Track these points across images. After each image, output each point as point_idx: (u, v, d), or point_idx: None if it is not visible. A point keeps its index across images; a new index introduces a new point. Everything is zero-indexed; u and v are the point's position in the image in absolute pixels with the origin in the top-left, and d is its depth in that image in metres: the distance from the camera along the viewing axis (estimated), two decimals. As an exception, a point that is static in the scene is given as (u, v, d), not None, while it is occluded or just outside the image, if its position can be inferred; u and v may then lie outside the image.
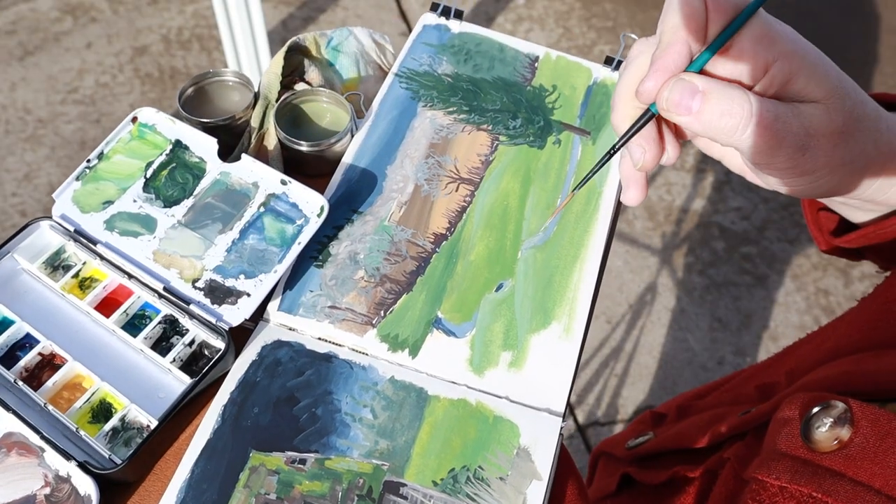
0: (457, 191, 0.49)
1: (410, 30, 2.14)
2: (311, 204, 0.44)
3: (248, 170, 0.46)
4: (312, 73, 0.54)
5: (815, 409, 0.37)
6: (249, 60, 1.48)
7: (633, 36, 0.46)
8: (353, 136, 0.51)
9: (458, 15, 0.58)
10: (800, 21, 2.51)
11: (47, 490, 0.38)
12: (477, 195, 0.49)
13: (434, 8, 0.58)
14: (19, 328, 0.42)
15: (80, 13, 1.87)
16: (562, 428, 0.41)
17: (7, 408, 0.39)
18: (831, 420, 0.36)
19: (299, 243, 0.43)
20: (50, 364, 0.41)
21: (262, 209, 0.44)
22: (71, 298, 0.43)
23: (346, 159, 0.49)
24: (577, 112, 0.54)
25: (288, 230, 0.44)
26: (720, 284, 1.70)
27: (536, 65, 0.56)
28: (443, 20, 0.57)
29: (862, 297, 0.49)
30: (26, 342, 0.42)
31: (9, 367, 0.41)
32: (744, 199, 1.76)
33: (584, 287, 0.46)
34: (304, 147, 0.48)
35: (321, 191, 0.48)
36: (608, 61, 0.56)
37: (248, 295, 0.42)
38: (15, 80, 1.74)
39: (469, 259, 0.46)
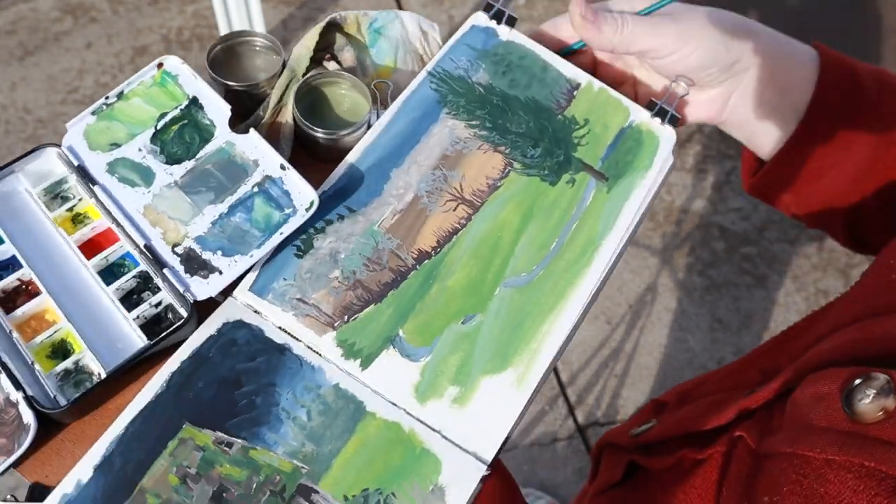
0: (454, 210, 0.50)
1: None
2: (303, 196, 0.46)
3: (252, 145, 0.47)
4: (347, 54, 0.55)
5: (857, 382, 0.38)
6: None
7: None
8: (369, 126, 0.52)
9: (511, 22, 0.57)
10: (800, 21, 2.34)
11: (-4, 409, 0.42)
12: (473, 219, 0.50)
13: (487, 9, 0.57)
14: (6, 249, 0.45)
15: (81, 13, 1.90)
16: (484, 477, 0.42)
17: (-23, 324, 0.42)
18: (874, 391, 0.37)
19: (281, 233, 0.45)
20: (26, 291, 0.45)
21: (255, 189, 0.46)
22: (61, 231, 0.46)
23: (355, 152, 0.50)
24: (601, 153, 0.53)
25: (275, 217, 0.46)
26: (720, 285, 1.74)
27: (575, 93, 0.55)
28: (493, 24, 0.57)
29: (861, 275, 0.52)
30: (10, 264, 0.45)
31: (-11, 285, 0.44)
32: (744, 200, 1.79)
33: (552, 340, 0.47)
34: (318, 133, 0.50)
35: (324, 176, 0.49)
36: (650, 105, 0.55)
37: (220, 273, 0.44)
38: (15, 79, 1.78)
39: (446, 284, 0.48)
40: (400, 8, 2.03)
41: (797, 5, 2.40)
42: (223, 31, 1.45)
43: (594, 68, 0.59)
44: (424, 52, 0.58)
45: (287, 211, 0.46)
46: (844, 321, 0.47)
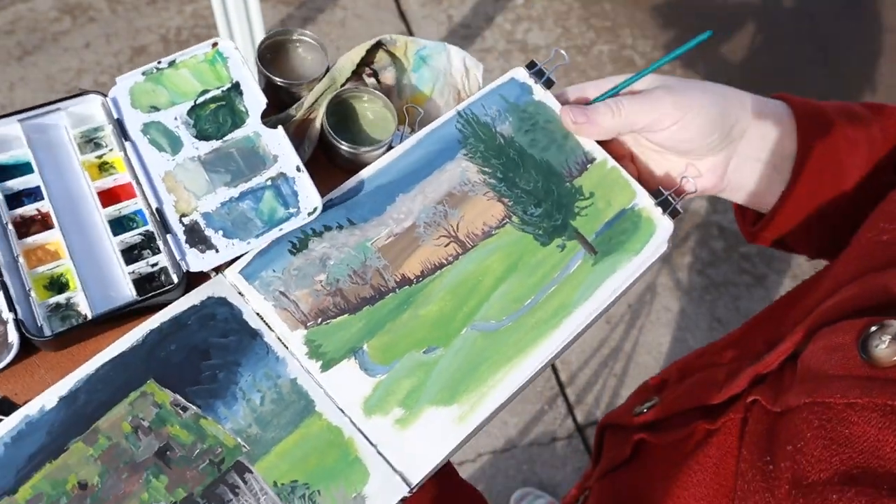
0: (445, 246, 0.53)
1: (409, 29, 2.18)
2: (309, 200, 0.49)
3: (276, 141, 0.51)
4: (388, 73, 0.58)
5: (873, 329, 0.41)
6: (248, 60, 1.51)
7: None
8: (390, 147, 0.55)
9: (549, 84, 0.60)
10: (799, 21, 2.42)
11: (-11, 322, 0.46)
12: (461, 259, 0.53)
13: (530, 66, 0.60)
14: (33, 179, 0.49)
15: (79, 13, 1.92)
16: (404, 498, 0.46)
17: (-9, 241, 0.46)
18: (889, 337, 0.40)
19: (280, 230, 0.49)
20: (41, 222, 0.49)
21: (269, 182, 0.50)
22: (86, 175, 0.50)
23: (370, 169, 0.54)
24: (598, 227, 0.56)
25: (279, 212, 0.49)
26: (719, 284, 1.77)
27: (589, 166, 0.58)
28: (531, 81, 0.60)
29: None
30: (33, 192, 0.49)
31: (11, 208, 0.48)
32: (743, 201, 1.88)
33: (501, 389, 0.50)
34: (341, 145, 0.53)
35: (337, 183, 0.53)
36: (657, 194, 0.58)
37: (217, 251, 0.48)
38: (13, 79, 1.80)
39: (419, 312, 0.51)
40: (399, 9, 2.06)
41: (797, 5, 2.45)
42: (222, 30, 1.46)
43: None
44: (463, 88, 0.62)
45: (291, 210, 0.49)
46: (843, 282, 0.49)
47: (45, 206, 0.49)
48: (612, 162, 0.59)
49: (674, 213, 0.58)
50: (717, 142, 0.56)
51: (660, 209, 0.58)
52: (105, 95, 0.52)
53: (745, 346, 0.59)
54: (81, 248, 0.48)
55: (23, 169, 0.50)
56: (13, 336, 0.45)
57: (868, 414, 0.39)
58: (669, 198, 0.58)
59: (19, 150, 0.50)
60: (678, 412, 0.58)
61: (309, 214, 0.49)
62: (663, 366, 1.67)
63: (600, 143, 0.59)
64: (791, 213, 0.60)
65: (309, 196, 0.50)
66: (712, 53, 2.40)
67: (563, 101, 0.60)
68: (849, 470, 0.38)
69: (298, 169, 0.50)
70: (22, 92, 1.80)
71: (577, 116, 0.56)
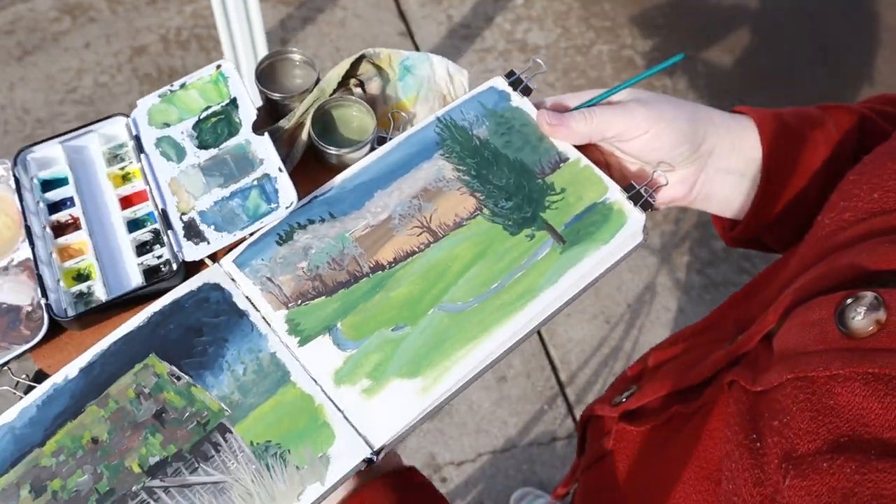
0: (418, 236, 0.59)
1: (409, 29, 2.20)
2: (287, 196, 0.56)
3: (263, 146, 0.59)
4: (373, 83, 0.65)
5: (848, 302, 0.43)
6: (248, 60, 1.51)
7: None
8: (373, 148, 0.62)
9: (526, 92, 0.64)
10: (799, 22, 2.40)
11: (30, 308, 0.56)
12: (431, 247, 0.58)
13: (509, 75, 0.65)
14: (69, 190, 0.59)
15: (79, 13, 1.94)
16: (370, 461, 0.51)
17: (32, 242, 0.56)
18: (864, 308, 0.42)
19: (261, 222, 0.56)
20: (73, 225, 0.59)
21: (255, 182, 0.57)
22: (110, 184, 0.60)
23: (351, 170, 0.60)
24: (567, 220, 0.60)
25: (262, 208, 0.56)
26: (719, 284, 1.75)
27: (562, 165, 0.62)
28: (510, 89, 0.64)
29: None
30: (68, 201, 0.59)
31: (49, 214, 0.58)
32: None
33: (463, 365, 0.54)
34: (325, 149, 0.60)
35: (323, 182, 0.60)
36: (629, 188, 0.60)
37: (208, 243, 0.56)
38: (13, 80, 1.83)
39: (389, 294, 0.56)
40: (399, 9, 2.09)
41: (797, 5, 2.43)
42: (222, 30, 1.48)
43: None
44: (448, 94, 0.67)
45: (272, 205, 0.56)
46: (809, 262, 0.51)
47: (76, 212, 0.58)
48: (585, 161, 0.62)
49: (646, 206, 0.60)
50: (687, 153, 0.58)
51: (632, 202, 0.60)
52: (128, 116, 0.62)
53: (716, 329, 0.61)
54: (103, 245, 0.58)
55: (61, 182, 0.60)
56: (45, 318, 0.54)
57: (851, 384, 0.40)
58: (641, 190, 0.60)
59: (58, 167, 0.60)
60: (655, 399, 0.60)
61: (286, 208, 0.56)
62: None
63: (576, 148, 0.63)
64: (764, 214, 0.62)
65: (287, 192, 0.57)
66: (712, 53, 2.37)
67: (541, 108, 0.64)
68: (836, 438, 0.39)
69: (280, 169, 0.57)
70: (22, 92, 1.84)
71: (552, 119, 0.60)
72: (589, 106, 0.61)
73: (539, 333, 1.76)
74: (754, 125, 0.61)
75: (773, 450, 0.42)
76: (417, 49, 2.08)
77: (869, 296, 0.41)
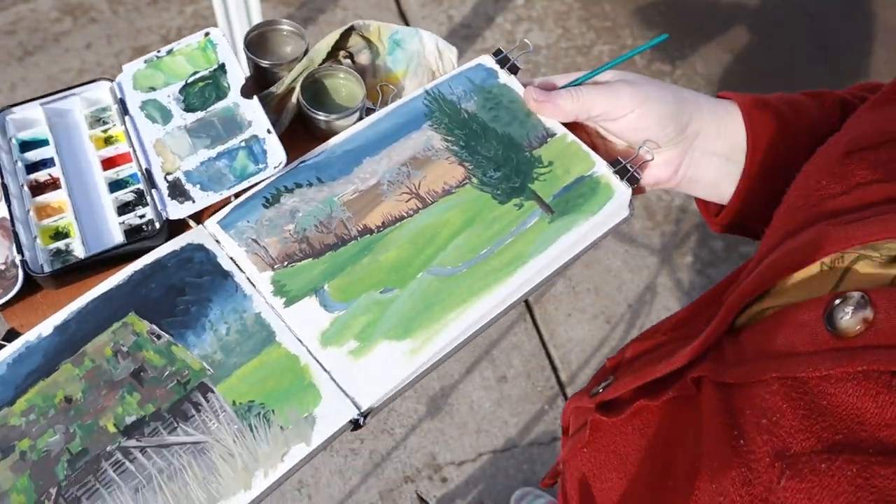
0: (407, 202, 0.58)
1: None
2: (276, 156, 0.56)
3: (252, 109, 0.58)
4: (363, 55, 0.65)
5: (836, 303, 0.42)
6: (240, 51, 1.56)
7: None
8: (361, 117, 0.61)
9: (514, 70, 0.65)
10: (799, 21, 2.44)
11: (2, 266, 0.54)
12: (420, 213, 0.58)
13: (497, 53, 0.66)
14: (49, 151, 0.58)
15: (80, 13, 1.95)
16: (357, 420, 0.50)
17: (9, 201, 0.55)
18: (851, 308, 0.41)
19: (248, 181, 0.55)
20: (52, 185, 0.57)
21: (242, 144, 0.57)
22: (92, 146, 0.59)
23: (340, 136, 0.60)
24: (555, 191, 0.60)
25: (249, 168, 0.56)
26: None
27: (549, 140, 0.62)
28: (497, 67, 0.65)
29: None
30: (48, 161, 0.58)
31: (28, 174, 0.57)
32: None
33: (453, 328, 0.53)
34: (314, 115, 0.60)
35: (310, 149, 0.59)
36: (615, 163, 0.61)
37: (193, 201, 0.54)
38: (15, 80, 1.84)
39: (378, 258, 0.56)
40: (399, 9, 2.12)
41: (798, 5, 2.47)
42: (223, 30, 1.52)
43: None
44: (437, 70, 0.67)
45: (261, 166, 0.56)
46: (773, 245, 0.51)
47: (56, 171, 0.57)
48: (572, 137, 0.63)
49: (632, 181, 0.61)
50: (672, 134, 0.59)
51: (618, 176, 0.60)
52: (112, 80, 0.61)
53: (689, 325, 0.61)
54: (84, 205, 0.56)
55: (42, 143, 0.59)
56: (21, 275, 0.52)
57: (844, 384, 0.40)
58: (627, 165, 0.61)
59: (38, 128, 0.59)
60: (627, 391, 0.59)
61: (275, 168, 0.55)
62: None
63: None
64: (749, 198, 0.62)
65: (276, 153, 0.56)
66: (711, 52, 2.39)
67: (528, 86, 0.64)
68: (831, 437, 0.39)
69: (269, 131, 0.57)
70: (23, 92, 1.84)
71: (539, 96, 0.61)
72: (576, 85, 0.62)
73: (539, 333, 1.75)
74: (739, 110, 0.62)
75: (763, 448, 0.42)
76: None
77: (856, 295, 0.42)
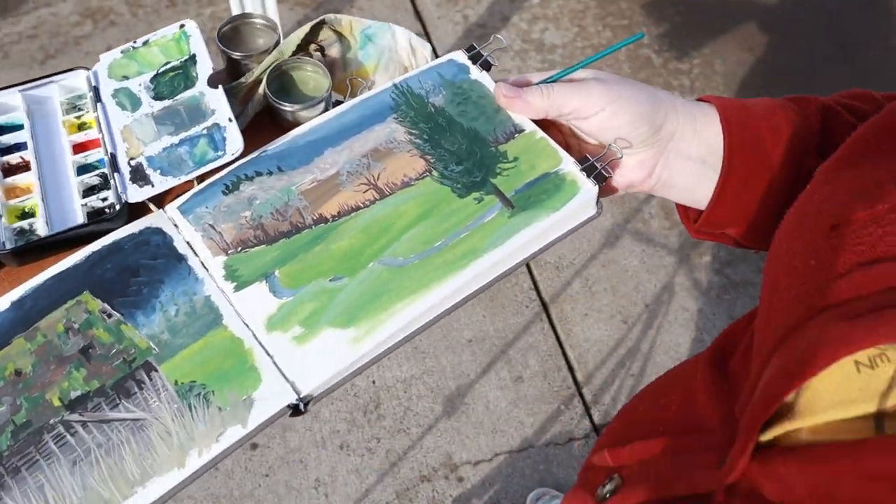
0: (364, 193, 0.59)
1: (425, 29, 2.21)
2: (235, 144, 0.57)
3: (216, 98, 0.59)
4: (333, 48, 0.66)
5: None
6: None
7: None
8: (327, 109, 0.62)
9: (486, 66, 0.65)
10: (818, 18, 2.42)
11: (-29, 244, 0.56)
12: (377, 204, 0.58)
13: (469, 49, 0.66)
14: (22, 136, 0.60)
15: (100, 17, 1.99)
16: (297, 406, 0.50)
17: (-20, 179, 0.57)
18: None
19: (206, 167, 0.56)
20: (24, 167, 0.59)
21: (204, 131, 0.58)
22: (64, 131, 0.61)
23: (303, 127, 0.61)
24: (518, 186, 0.60)
25: (209, 155, 0.57)
26: (738, 284, 1.75)
27: (517, 135, 0.62)
28: (469, 63, 0.65)
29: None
30: (21, 145, 0.60)
31: (1, 156, 0.59)
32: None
33: (399, 319, 0.54)
34: (279, 105, 0.61)
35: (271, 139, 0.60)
36: (583, 160, 0.60)
37: (153, 186, 0.56)
38: None
39: (330, 247, 0.56)
40: (415, 9, 2.12)
41: (817, 3, 2.44)
42: None
43: None
44: (410, 65, 0.68)
45: (220, 153, 0.57)
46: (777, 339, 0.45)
47: (27, 155, 0.59)
48: (541, 133, 0.62)
49: (600, 179, 0.60)
50: (645, 135, 0.58)
51: (585, 174, 0.60)
52: (88, 69, 0.63)
53: (698, 424, 0.55)
54: (52, 186, 0.58)
55: (18, 128, 0.61)
56: (-17, 252, 0.54)
57: None
58: (594, 162, 0.60)
59: (15, 113, 0.61)
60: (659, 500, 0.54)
61: (232, 155, 0.56)
62: None
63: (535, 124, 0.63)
64: (727, 203, 0.61)
65: (234, 141, 0.57)
66: (730, 50, 2.36)
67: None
68: None
69: (230, 120, 0.58)
70: None
71: (508, 92, 0.61)
72: (549, 82, 0.62)
73: (555, 333, 1.75)
74: (717, 113, 0.61)
75: None
76: (434, 49, 2.10)
77: None
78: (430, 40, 2.21)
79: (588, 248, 1.88)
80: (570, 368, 1.72)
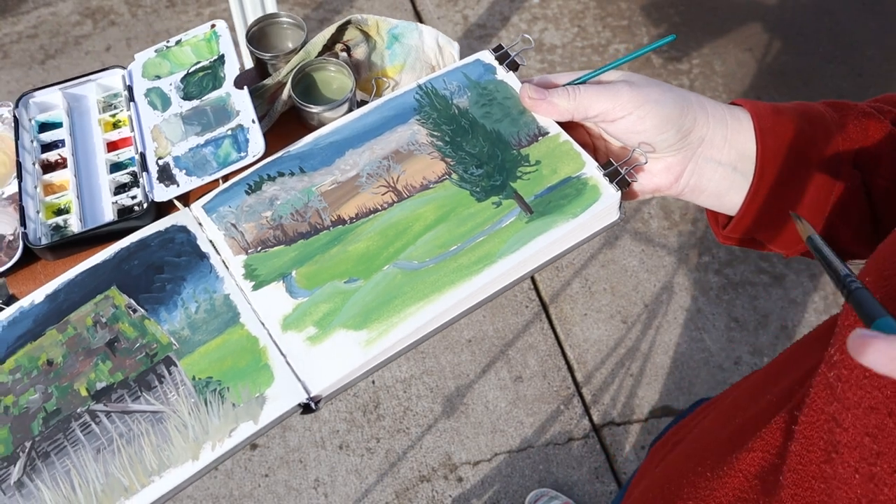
0: (383, 195, 0.60)
1: None
2: (257, 146, 0.58)
3: (241, 99, 0.61)
4: (360, 48, 0.66)
5: None
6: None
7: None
8: (351, 109, 0.63)
9: (514, 66, 0.65)
10: (819, 19, 2.40)
11: (11, 237, 0.59)
12: (395, 206, 0.59)
13: (497, 49, 0.66)
14: (61, 133, 0.63)
15: (100, 17, 2.00)
16: (308, 405, 0.52)
17: (21, 176, 0.60)
18: None
19: (229, 168, 0.58)
20: (61, 164, 0.62)
21: (229, 132, 0.60)
22: (99, 129, 0.63)
23: (326, 128, 0.62)
24: (538, 191, 0.59)
25: (232, 156, 0.59)
26: (737, 284, 1.76)
27: (540, 138, 0.62)
28: (496, 63, 0.65)
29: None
30: (60, 142, 0.63)
31: (41, 153, 0.62)
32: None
33: (411, 322, 0.55)
34: (304, 107, 0.62)
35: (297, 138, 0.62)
36: (607, 165, 0.60)
37: (178, 185, 0.58)
38: (36, 83, 1.90)
39: (347, 248, 0.58)
40: (415, 9, 2.10)
41: (816, 3, 2.44)
42: (240, 33, 1.51)
43: None
44: (437, 64, 0.68)
45: (242, 154, 0.59)
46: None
47: (65, 152, 0.62)
48: (565, 136, 0.62)
49: (623, 184, 0.59)
50: (672, 139, 0.57)
51: (608, 179, 0.60)
52: (125, 68, 0.65)
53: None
54: (86, 184, 0.61)
55: (57, 125, 0.64)
56: (20, 246, 0.57)
57: None
58: (618, 167, 0.59)
59: (56, 111, 0.64)
60: None
61: (254, 156, 0.58)
62: (679, 365, 1.67)
63: (561, 127, 0.62)
64: (758, 210, 0.60)
65: (257, 143, 0.59)
66: (729, 51, 2.33)
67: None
68: None
69: (253, 121, 0.60)
70: None
71: (534, 93, 0.61)
72: (577, 84, 0.61)
73: (555, 333, 1.76)
74: (750, 118, 0.59)
75: None
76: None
77: None
78: (430, 40, 2.21)
79: (588, 248, 1.89)
80: (570, 368, 1.73)
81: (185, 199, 0.60)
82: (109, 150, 0.62)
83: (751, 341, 1.71)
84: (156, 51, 0.65)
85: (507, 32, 2.28)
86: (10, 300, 0.58)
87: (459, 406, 1.68)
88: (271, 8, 1.53)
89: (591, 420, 1.64)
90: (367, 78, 0.66)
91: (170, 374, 0.53)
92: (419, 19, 2.27)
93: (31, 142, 0.62)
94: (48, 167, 0.62)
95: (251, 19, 1.53)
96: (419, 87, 0.64)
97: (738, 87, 2.25)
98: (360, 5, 2.23)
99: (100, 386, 0.53)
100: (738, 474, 0.52)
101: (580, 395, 1.67)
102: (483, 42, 2.24)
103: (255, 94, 0.62)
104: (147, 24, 2.14)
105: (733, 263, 1.81)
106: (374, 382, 1.70)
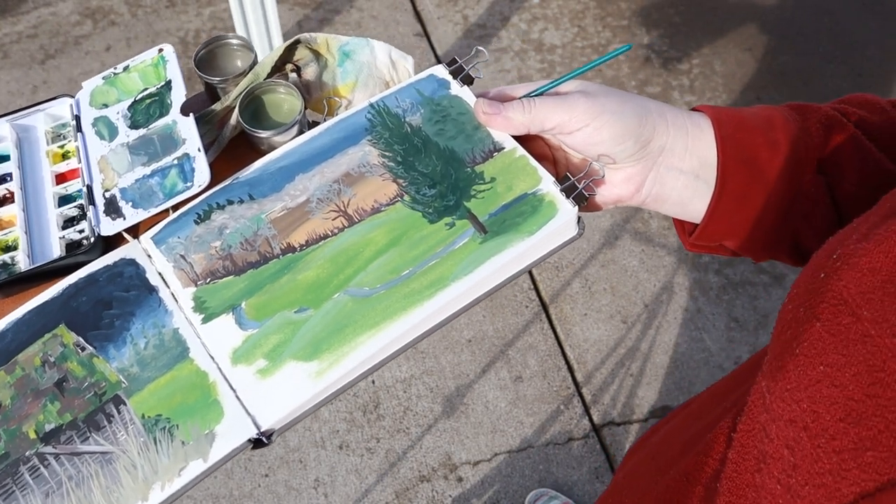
0: (333, 220, 0.59)
1: (424, 30, 2.20)
2: (202, 176, 0.58)
3: (187, 127, 0.60)
4: (310, 68, 0.65)
5: None
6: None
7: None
8: (302, 131, 0.62)
9: (468, 81, 0.64)
10: (818, 18, 2.42)
11: (-39, 275, 0.59)
12: (345, 231, 0.59)
13: (451, 63, 0.64)
14: (9, 167, 0.62)
15: (100, 17, 2.00)
16: (257, 441, 0.51)
17: (-32, 212, 0.60)
18: None
19: (175, 199, 0.57)
20: (8, 199, 0.62)
21: (175, 161, 0.59)
22: (47, 161, 0.63)
23: (276, 153, 0.61)
24: (493, 209, 0.59)
25: (178, 186, 0.58)
26: (737, 284, 1.78)
27: (496, 154, 0.61)
28: (450, 78, 0.64)
29: None
30: (7, 176, 0.62)
31: (-11, 187, 0.62)
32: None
33: (362, 351, 0.54)
34: (252, 132, 0.61)
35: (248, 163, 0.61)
36: (564, 179, 0.59)
37: (124, 218, 0.57)
38: (36, 83, 1.90)
39: (297, 277, 0.57)
40: (415, 9, 2.10)
41: (816, 3, 2.46)
42: (239, 33, 1.54)
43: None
44: (391, 80, 0.67)
45: (188, 184, 0.58)
46: None
47: (13, 186, 0.62)
48: (521, 151, 0.61)
49: (579, 199, 0.59)
50: (631, 149, 0.56)
51: (564, 194, 0.59)
52: (73, 97, 0.65)
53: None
54: (34, 218, 0.60)
55: (5, 158, 0.63)
56: (-32, 286, 0.57)
57: None
58: (575, 182, 0.59)
59: (3, 144, 0.64)
60: None
61: (199, 187, 0.57)
62: (679, 365, 1.68)
63: (519, 140, 0.62)
64: (721, 217, 0.59)
65: (202, 172, 0.58)
66: (729, 51, 2.33)
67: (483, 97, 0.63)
68: None
69: (199, 150, 0.59)
70: (44, 94, 1.95)
71: (488, 108, 0.60)
72: (534, 96, 0.60)
73: (555, 333, 1.76)
74: (711, 125, 0.58)
75: None
76: (433, 49, 2.10)
77: None
78: (429, 40, 2.21)
79: (587, 248, 1.89)
80: (570, 368, 1.73)
81: (135, 230, 0.59)
82: (58, 183, 0.62)
83: (751, 341, 1.71)
84: (103, 78, 0.65)
85: (507, 32, 2.28)
86: (-40, 341, 0.57)
87: (459, 406, 1.68)
88: (271, 8, 1.52)
89: (591, 420, 1.65)
90: (318, 98, 0.65)
91: (119, 413, 0.53)
92: (419, 19, 2.27)
93: (-21, 177, 0.62)
94: (-4, 202, 0.62)
95: (251, 19, 1.54)
96: (371, 105, 0.63)
97: (738, 87, 2.25)
98: (360, 5, 2.22)
99: (48, 428, 0.53)
100: (682, 478, 0.52)
101: (580, 395, 1.68)
102: (483, 42, 2.24)
103: (203, 120, 0.62)
104: (147, 24, 2.14)
105: (733, 263, 1.81)
106: (374, 382, 1.71)
